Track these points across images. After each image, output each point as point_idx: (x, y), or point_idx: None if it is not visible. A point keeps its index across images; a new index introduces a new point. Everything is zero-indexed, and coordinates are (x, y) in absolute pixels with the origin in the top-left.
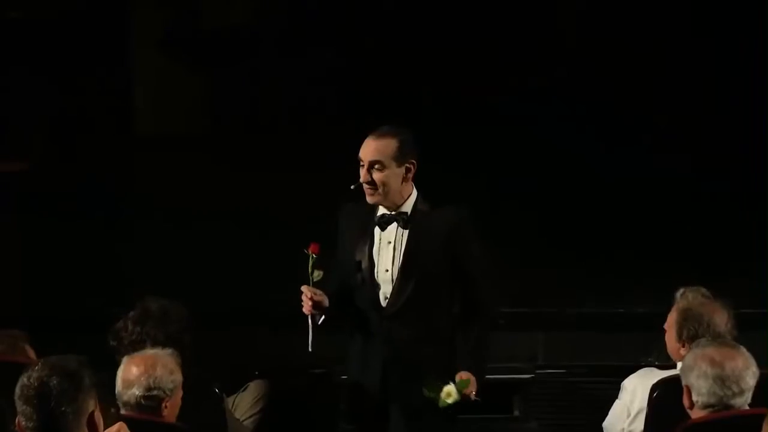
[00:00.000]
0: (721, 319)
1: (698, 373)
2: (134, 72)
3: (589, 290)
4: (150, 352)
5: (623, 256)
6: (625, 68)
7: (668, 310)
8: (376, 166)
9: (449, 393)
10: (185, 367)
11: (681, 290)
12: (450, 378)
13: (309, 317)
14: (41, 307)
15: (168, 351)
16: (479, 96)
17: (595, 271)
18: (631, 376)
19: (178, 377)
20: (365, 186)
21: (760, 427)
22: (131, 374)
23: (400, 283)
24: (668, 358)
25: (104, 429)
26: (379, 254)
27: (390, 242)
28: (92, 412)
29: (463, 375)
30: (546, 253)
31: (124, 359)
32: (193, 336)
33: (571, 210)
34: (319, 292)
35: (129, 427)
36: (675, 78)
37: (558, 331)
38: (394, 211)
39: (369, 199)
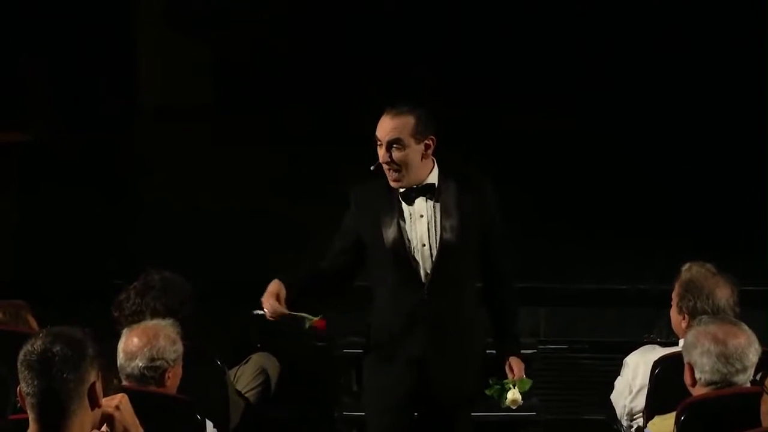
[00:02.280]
0: (723, 293)
1: (701, 351)
2: (138, 42)
3: (592, 266)
4: (151, 323)
5: (627, 232)
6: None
7: (672, 287)
8: (396, 146)
9: (515, 400)
10: (186, 339)
11: (687, 264)
12: (496, 358)
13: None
14: (44, 278)
15: (168, 321)
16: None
17: (598, 246)
18: (633, 352)
19: (180, 347)
20: (386, 166)
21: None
22: (133, 345)
23: (441, 257)
24: (670, 334)
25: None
26: (413, 230)
27: (422, 216)
28: (93, 383)
29: (513, 364)
30: (548, 228)
31: (125, 331)
32: (195, 308)
33: (575, 185)
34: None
35: (131, 398)
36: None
37: (560, 307)
38: (417, 185)
39: (393, 183)
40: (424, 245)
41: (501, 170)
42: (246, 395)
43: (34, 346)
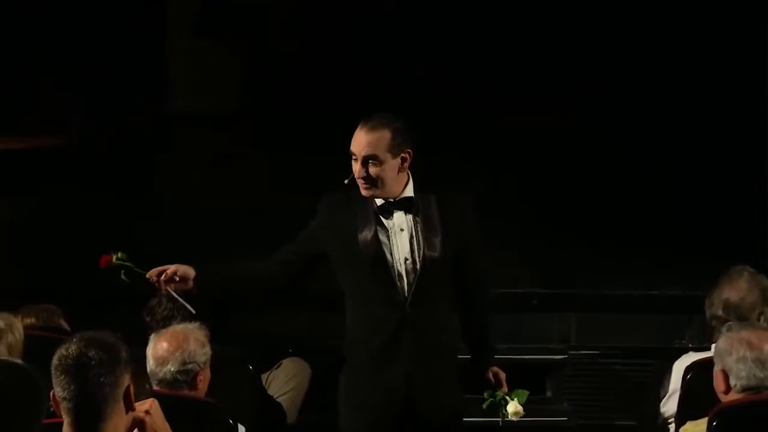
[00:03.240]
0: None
1: (736, 357)
2: (168, 48)
3: (623, 272)
4: (179, 327)
5: (658, 238)
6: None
7: (701, 293)
8: (371, 161)
9: (517, 412)
10: (218, 344)
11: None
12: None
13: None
14: (74, 282)
15: (196, 324)
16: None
17: (629, 253)
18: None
19: (209, 350)
20: (360, 181)
21: None
22: (163, 350)
23: (425, 271)
24: (701, 340)
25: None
26: (394, 244)
27: (403, 229)
28: (128, 387)
29: (498, 374)
30: (579, 236)
31: (152, 337)
32: (228, 314)
33: (606, 193)
34: (177, 269)
35: (162, 403)
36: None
37: (591, 313)
38: (393, 198)
39: (365, 194)
40: (407, 259)
41: (531, 179)
42: (277, 400)
43: (69, 351)
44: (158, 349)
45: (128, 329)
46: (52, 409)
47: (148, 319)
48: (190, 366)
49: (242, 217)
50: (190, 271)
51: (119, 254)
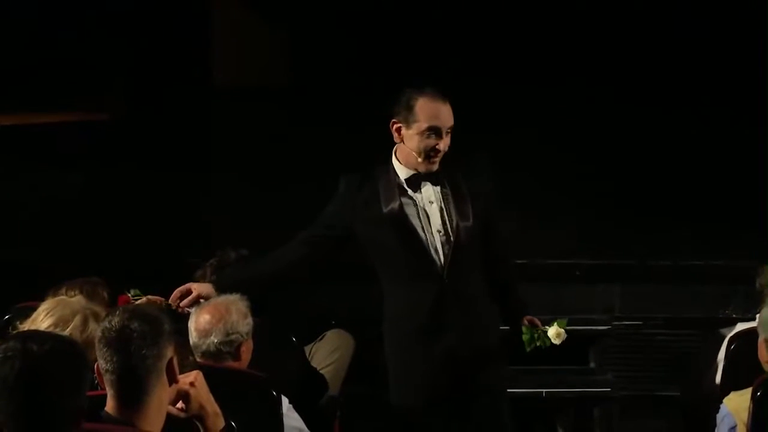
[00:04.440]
0: None
1: None
2: (213, 23)
3: (666, 242)
4: (220, 299)
5: (703, 210)
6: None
7: (746, 264)
8: (449, 133)
9: (559, 334)
10: (262, 316)
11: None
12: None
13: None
14: (120, 256)
15: (237, 296)
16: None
17: (673, 224)
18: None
19: (251, 320)
20: (438, 154)
21: None
22: (206, 322)
23: (459, 242)
24: (746, 310)
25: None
26: (425, 216)
27: (432, 202)
28: (171, 359)
29: (531, 319)
30: (623, 207)
31: (194, 309)
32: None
33: (649, 166)
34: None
35: (206, 375)
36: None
37: (635, 284)
38: (417, 171)
39: (435, 168)
40: (439, 231)
41: (576, 154)
42: (321, 372)
43: (112, 323)
44: (200, 321)
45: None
46: (96, 382)
47: None
48: (233, 337)
49: (289, 191)
50: (211, 291)
51: (134, 291)
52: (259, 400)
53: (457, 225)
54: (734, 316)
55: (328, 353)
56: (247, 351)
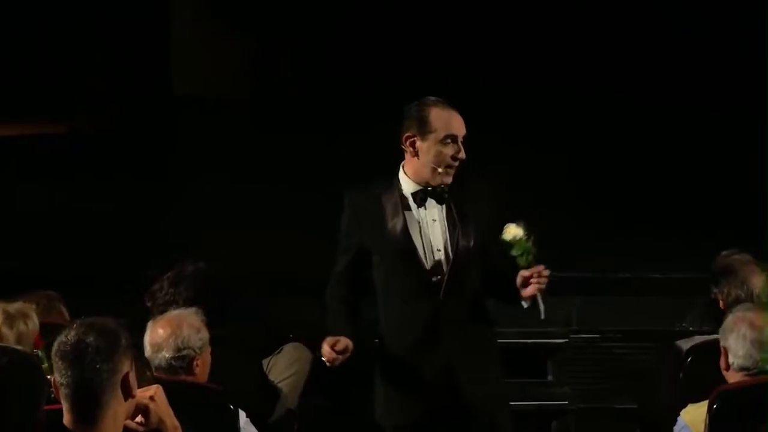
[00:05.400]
0: (757, 281)
1: (737, 336)
2: (173, 33)
3: (624, 255)
4: (174, 312)
5: (660, 222)
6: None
7: (703, 276)
8: (463, 140)
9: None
10: (220, 329)
11: (723, 252)
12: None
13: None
14: (78, 268)
15: (192, 309)
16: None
17: (631, 236)
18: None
19: (205, 334)
20: (453, 165)
21: None
22: (158, 337)
23: (458, 261)
24: (702, 323)
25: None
26: (426, 234)
27: (435, 220)
28: (127, 374)
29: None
30: (581, 218)
31: (149, 323)
32: (229, 298)
33: (607, 176)
34: (340, 340)
35: (164, 389)
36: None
37: (592, 296)
38: (425, 187)
39: (449, 180)
40: (439, 250)
41: (536, 165)
42: (279, 385)
43: (68, 337)
44: (153, 335)
45: (133, 315)
46: (53, 396)
47: (149, 304)
48: (185, 352)
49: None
50: (350, 343)
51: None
52: (216, 414)
53: (458, 245)
54: (691, 328)
55: (285, 366)
56: (202, 365)
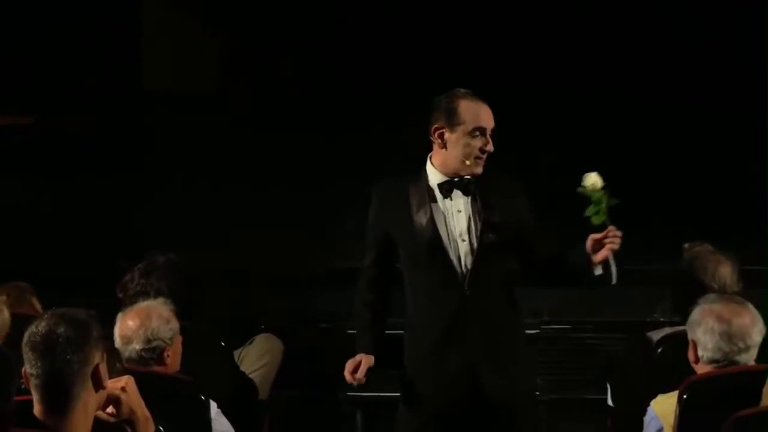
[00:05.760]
0: (725, 270)
1: (705, 329)
2: (144, 26)
3: None
4: (143, 304)
5: (632, 212)
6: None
7: (674, 268)
8: (491, 133)
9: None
10: (191, 320)
11: (687, 244)
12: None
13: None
14: (49, 260)
15: (160, 300)
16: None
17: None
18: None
19: (175, 325)
20: (483, 156)
21: (764, 383)
22: (128, 329)
23: (483, 252)
24: (672, 314)
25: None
26: (450, 225)
27: (460, 210)
28: (97, 365)
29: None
30: (553, 209)
31: (119, 315)
32: (200, 290)
33: (580, 164)
34: (360, 363)
35: (135, 380)
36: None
37: (564, 287)
38: (453, 178)
39: (480, 170)
40: (464, 240)
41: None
42: (250, 376)
43: (39, 328)
44: (123, 327)
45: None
46: (24, 386)
47: (121, 295)
48: (155, 343)
49: (221, 194)
50: (371, 361)
51: None
52: (187, 405)
53: (482, 236)
54: (662, 319)
55: (257, 357)
56: (173, 355)
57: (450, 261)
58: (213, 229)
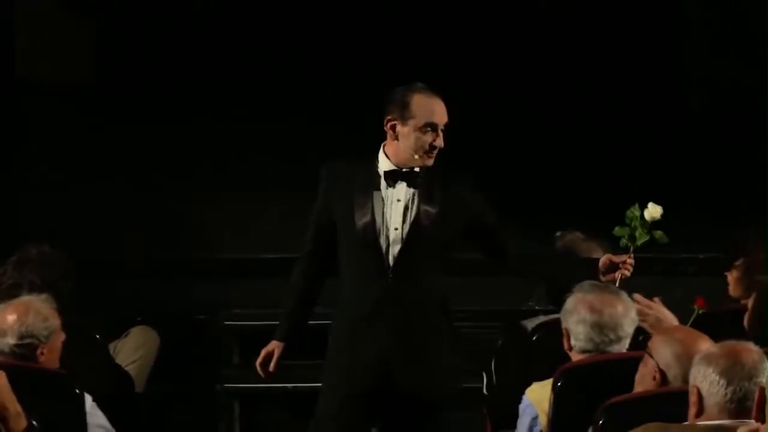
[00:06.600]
0: (597, 256)
1: (577, 319)
2: (16, 14)
3: None
4: (24, 299)
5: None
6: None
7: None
8: (443, 129)
9: (654, 214)
10: (65, 313)
11: (558, 233)
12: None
13: None
14: None
15: (42, 297)
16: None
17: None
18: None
19: (53, 323)
20: (434, 151)
21: (636, 370)
22: (4, 322)
23: (411, 241)
24: (548, 302)
25: None
26: (386, 213)
27: (399, 200)
28: None
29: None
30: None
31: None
32: (75, 282)
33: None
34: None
35: (7, 374)
36: None
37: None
38: (402, 168)
39: (431, 162)
40: (396, 229)
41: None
42: (126, 369)
43: None
44: (0, 321)
45: None
46: None
47: None
48: (28, 340)
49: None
50: (281, 344)
51: None
52: (61, 399)
53: (413, 226)
54: (537, 307)
55: (132, 350)
56: (48, 353)
57: (380, 247)
58: (88, 220)
